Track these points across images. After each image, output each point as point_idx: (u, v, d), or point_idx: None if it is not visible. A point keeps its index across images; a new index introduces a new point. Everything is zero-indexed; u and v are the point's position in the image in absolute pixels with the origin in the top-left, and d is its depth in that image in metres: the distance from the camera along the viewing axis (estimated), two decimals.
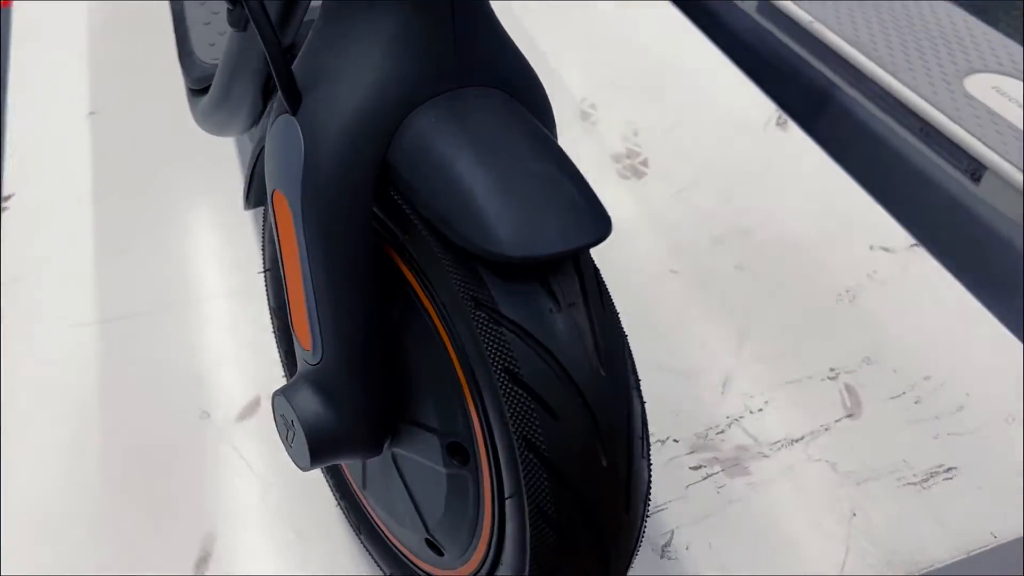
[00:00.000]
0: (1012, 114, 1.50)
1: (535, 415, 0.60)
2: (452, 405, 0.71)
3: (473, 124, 0.64)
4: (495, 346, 0.61)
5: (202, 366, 1.19)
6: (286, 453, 0.78)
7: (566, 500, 0.61)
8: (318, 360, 0.73)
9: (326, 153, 0.65)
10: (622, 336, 0.65)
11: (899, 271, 1.34)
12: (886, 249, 1.37)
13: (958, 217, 1.61)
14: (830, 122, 1.85)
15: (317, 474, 1.04)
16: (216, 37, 1.17)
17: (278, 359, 1.12)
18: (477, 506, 0.72)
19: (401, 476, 0.81)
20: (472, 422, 0.69)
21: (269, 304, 0.97)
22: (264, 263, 0.94)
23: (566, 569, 0.64)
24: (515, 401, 0.60)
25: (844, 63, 1.64)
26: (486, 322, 0.61)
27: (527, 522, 0.63)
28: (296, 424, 0.74)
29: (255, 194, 0.95)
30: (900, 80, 1.56)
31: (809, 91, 1.90)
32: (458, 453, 0.72)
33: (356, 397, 0.73)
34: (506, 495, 0.66)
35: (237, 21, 0.87)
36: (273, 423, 1.02)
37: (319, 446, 0.74)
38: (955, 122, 1.47)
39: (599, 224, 0.62)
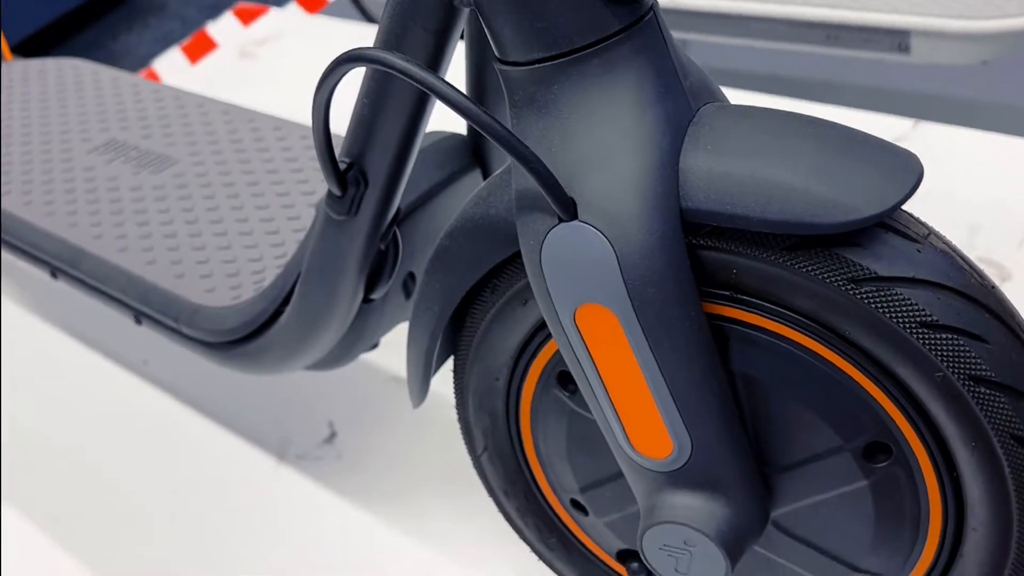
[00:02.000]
0: None
1: (968, 349, 0.58)
2: (850, 412, 0.64)
3: (742, 129, 0.61)
4: (897, 309, 0.58)
5: None
6: None
7: None
8: (686, 459, 0.65)
9: (639, 240, 0.59)
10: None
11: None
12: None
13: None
14: None
15: None
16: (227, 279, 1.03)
17: None
18: (916, 496, 0.66)
19: (794, 536, 0.72)
20: (884, 411, 0.62)
21: (494, 488, 0.86)
22: (478, 446, 0.83)
23: None
24: (943, 347, 0.58)
25: None
26: (876, 293, 0.58)
27: (1002, 454, 0.60)
28: (695, 540, 0.65)
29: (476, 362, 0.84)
30: None
31: None
32: (879, 452, 0.65)
33: (741, 470, 0.65)
34: (971, 443, 0.61)
35: (342, 209, 0.77)
36: None
37: (734, 547, 0.66)
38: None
39: (911, 159, 0.60)
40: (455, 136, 0.92)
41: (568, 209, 0.60)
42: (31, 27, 2.38)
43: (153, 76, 1.93)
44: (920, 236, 0.60)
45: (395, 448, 1.12)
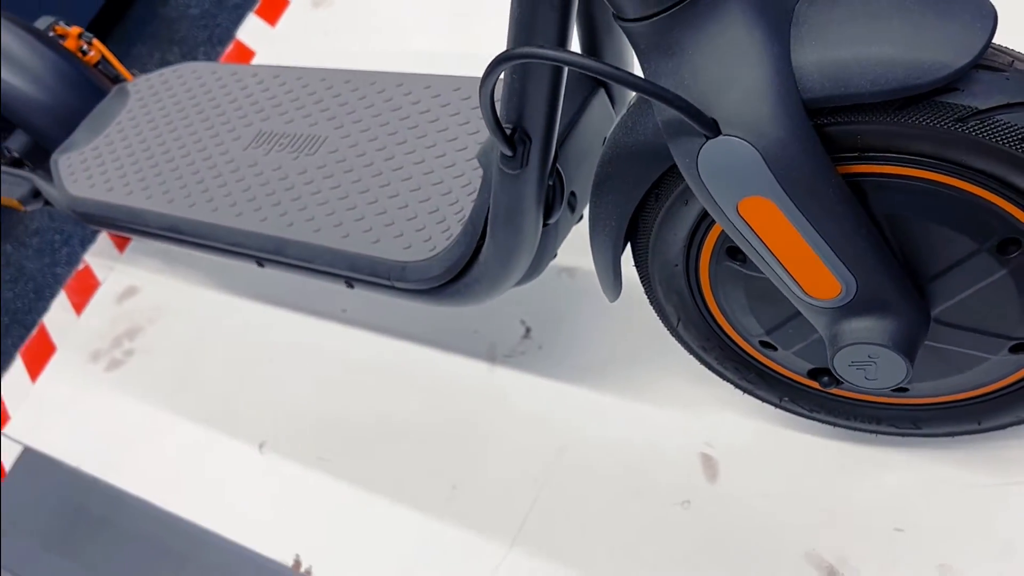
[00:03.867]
0: None
1: None
2: (979, 221, 0.79)
3: (835, 17, 0.74)
4: (1000, 132, 0.71)
5: None
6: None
7: None
8: (854, 293, 0.80)
9: (776, 137, 0.73)
10: None
11: None
12: None
13: None
14: None
15: None
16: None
17: None
18: None
19: (956, 326, 0.87)
20: (1008, 213, 0.77)
21: (693, 348, 1.03)
22: (672, 319, 1.00)
23: None
24: None
25: None
26: (980, 124, 0.71)
27: None
28: (877, 353, 0.81)
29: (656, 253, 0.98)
30: None
31: None
32: (1009, 246, 0.79)
33: (900, 288, 0.80)
34: None
35: (515, 165, 0.93)
36: None
37: (909, 348, 0.81)
38: None
39: (984, 3, 0.71)
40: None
41: (712, 128, 0.75)
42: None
43: (241, 46, 2.07)
44: (1005, 65, 0.73)
45: (585, 328, 1.30)
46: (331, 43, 1.92)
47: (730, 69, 0.74)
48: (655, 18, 0.74)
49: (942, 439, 1.02)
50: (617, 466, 1.18)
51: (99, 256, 1.91)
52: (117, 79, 1.71)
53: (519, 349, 1.34)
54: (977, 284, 0.83)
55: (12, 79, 1.58)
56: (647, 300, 1.02)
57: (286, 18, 2.05)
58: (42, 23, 1.73)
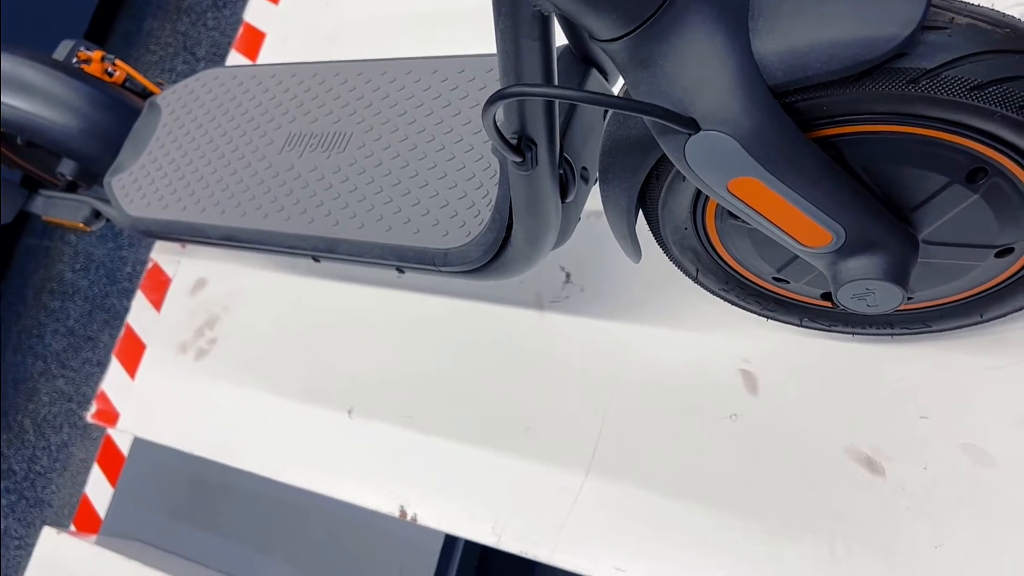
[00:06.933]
0: None
1: (1013, 89, 0.80)
2: (948, 159, 0.88)
3: (785, 9, 0.83)
4: (951, 86, 0.81)
5: None
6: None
7: None
8: (844, 238, 0.90)
9: (749, 125, 0.83)
10: None
11: None
12: None
13: None
14: None
15: None
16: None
17: None
18: (1016, 187, 0.89)
19: (943, 243, 0.97)
20: (971, 149, 0.87)
21: (715, 291, 1.16)
22: (691, 270, 1.11)
23: None
24: (995, 97, 0.80)
25: None
26: (931, 82, 0.81)
27: None
28: (873, 284, 0.92)
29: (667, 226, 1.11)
30: None
31: None
32: (977, 174, 0.89)
33: (885, 225, 0.91)
34: None
35: (526, 168, 1.03)
36: None
37: (901, 276, 0.92)
38: None
39: None
40: (566, 51, 1.14)
41: (692, 125, 0.85)
42: None
43: (250, 29, 2.15)
44: (947, 23, 0.81)
45: (619, 267, 1.42)
46: (337, 14, 1.99)
47: (700, 72, 0.83)
48: (626, 38, 0.83)
49: (951, 332, 1.13)
50: (667, 390, 1.31)
51: (164, 252, 2.05)
52: (144, 93, 1.82)
53: (563, 294, 1.46)
54: (955, 209, 0.93)
55: (52, 116, 1.70)
56: None
57: None
58: (63, 49, 1.83)
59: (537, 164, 1.04)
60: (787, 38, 0.82)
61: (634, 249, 1.09)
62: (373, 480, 1.53)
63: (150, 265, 2.07)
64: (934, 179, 0.90)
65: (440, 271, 1.28)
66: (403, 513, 1.47)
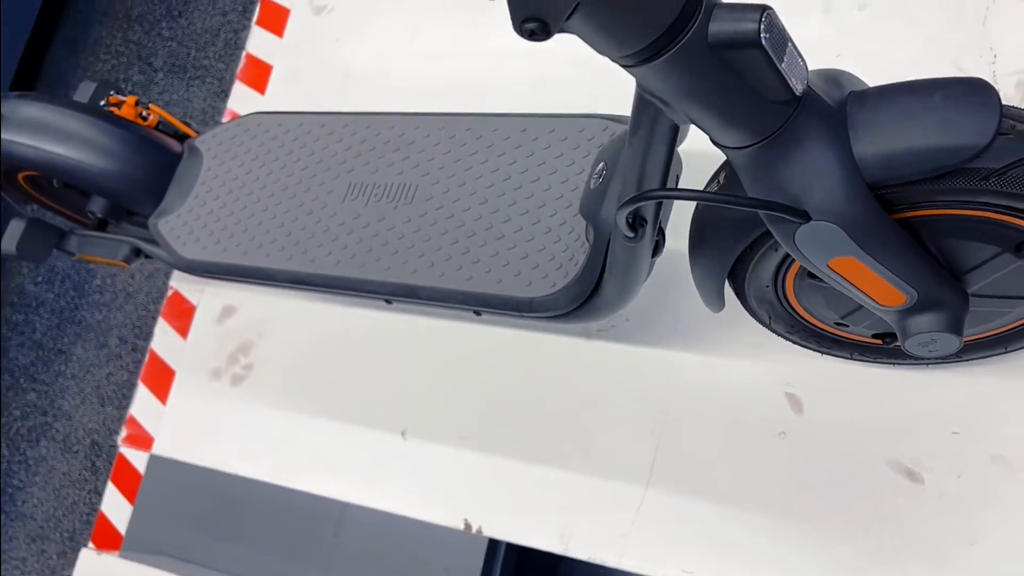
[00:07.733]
0: None
1: None
2: (1002, 234, 1.08)
3: (881, 115, 1.02)
4: (1014, 181, 1.01)
5: None
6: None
7: None
8: (915, 300, 1.10)
9: (852, 215, 1.01)
10: None
11: None
12: None
13: None
14: None
15: None
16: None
17: None
18: None
19: (989, 296, 1.18)
20: (1021, 227, 1.06)
21: (782, 334, 1.35)
22: (765, 319, 1.31)
23: None
24: None
25: None
26: (999, 179, 1.00)
27: None
28: (934, 336, 1.12)
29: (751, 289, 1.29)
30: None
31: None
32: (1023, 246, 1.09)
33: (947, 286, 1.11)
34: None
35: (636, 240, 1.20)
36: None
37: (958, 327, 1.12)
38: None
39: (984, 87, 1.00)
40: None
41: (804, 216, 1.03)
42: None
43: (254, 60, 2.23)
44: (1010, 128, 1.02)
45: (665, 298, 1.60)
46: (344, 51, 2.10)
47: (812, 174, 1.01)
48: (751, 147, 1.01)
49: (978, 360, 1.35)
50: (717, 411, 1.50)
51: (184, 281, 2.14)
52: (178, 135, 1.91)
53: (609, 323, 1.63)
54: (1003, 271, 1.14)
55: (96, 161, 1.76)
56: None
57: (291, 27, 2.21)
58: (85, 90, 1.90)
59: (643, 239, 1.20)
60: (885, 145, 1.00)
61: (719, 303, 1.28)
62: (434, 496, 1.68)
63: (170, 293, 2.15)
64: (988, 249, 1.11)
65: (523, 316, 1.43)
66: (468, 526, 1.63)
